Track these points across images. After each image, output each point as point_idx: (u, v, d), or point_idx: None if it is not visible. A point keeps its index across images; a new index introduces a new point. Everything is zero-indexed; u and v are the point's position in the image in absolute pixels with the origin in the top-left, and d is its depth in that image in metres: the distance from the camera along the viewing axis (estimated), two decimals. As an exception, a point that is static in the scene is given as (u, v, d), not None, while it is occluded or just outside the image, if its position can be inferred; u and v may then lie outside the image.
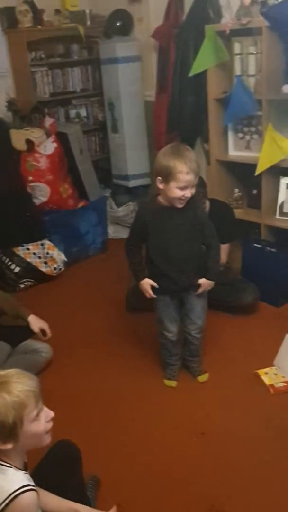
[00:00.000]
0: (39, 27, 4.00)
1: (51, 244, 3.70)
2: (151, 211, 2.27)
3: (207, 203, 2.94)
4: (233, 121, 3.37)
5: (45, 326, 2.59)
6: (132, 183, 4.47)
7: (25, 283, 3.60)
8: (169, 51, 3.77)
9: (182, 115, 3.71)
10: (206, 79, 3.35)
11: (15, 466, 1.39)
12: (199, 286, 2.33)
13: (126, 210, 4.45)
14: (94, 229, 4.12)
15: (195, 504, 1.84)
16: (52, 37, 4.13)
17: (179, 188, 2.12)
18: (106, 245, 4.20)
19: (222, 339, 2.81)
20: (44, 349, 2.60)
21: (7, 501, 1.33)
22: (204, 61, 3.28)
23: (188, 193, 2.14)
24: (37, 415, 1.38)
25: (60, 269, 3.70)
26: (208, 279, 2.34)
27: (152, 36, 3.88)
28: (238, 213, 3.35)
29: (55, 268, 3.66)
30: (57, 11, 4.17)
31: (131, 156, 4.39)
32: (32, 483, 1.39)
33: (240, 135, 3.40)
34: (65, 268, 3.74)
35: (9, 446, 1.36)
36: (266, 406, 2.29)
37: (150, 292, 2.34)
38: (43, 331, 2.59)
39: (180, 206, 2.19)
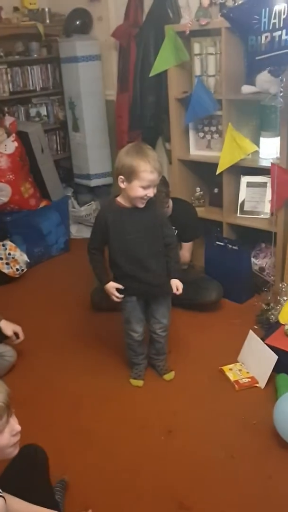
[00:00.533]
0: (-3, 24, 3.93)
1: (13, 244, 3.65)
2: (112, 212, 2.27)
3: (170, 202, 2.96)
4: (194, 120, 3.40)
5: (17, 329, 2.57)
6: (94, 182, 4.45)
7: (-13, 284, 3.53)
8: (129, 51, 3.77)
9: (143, 114, 3.73)
10: (166, 78, 3.37)
11: None
12: (169, 285, 2.35)
13: (89, 209, 4.44)
14: (57, 229, 4.09)
15: (164, 502, 1.85)
16: (11, 34, 4.06)
17: (142, 187, 2.12)
18: (69, 245, 4.18)
19: (187, 337, 2.84)
20: (8, 353, 2.56)
21: None
22: (164, 61, 3.30)
23: (151, 192, 2.15)
24: (1, 430, 1.35)
25: (22, 270, 3.65)
26: (173, 278, 2.36)
27: (112, 36, 3.88)
28: (200, 211, 3.38)
29: (17, 269, 3.61)
30: (16, 9, 4.11)
31: (93, 155, 4.37)
32: None
33: (201, 134, 3.44)
34: (27, 269, 3.70)
35: None
36: (232, 402, 2.33)
37: (117, 294, 2.33)
38: (16, 334, 2.56)
39: (141, 206, 2.20)
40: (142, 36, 3.61)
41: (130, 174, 2.11)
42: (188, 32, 3.13)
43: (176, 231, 2.82)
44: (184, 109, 3.38)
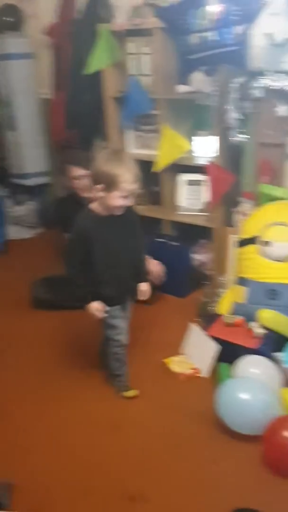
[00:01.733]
0: None
1: None
2: (92, 223, 2.16)
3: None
4: (131, 119, 3.44)
5: None
6: (30, 182, 4.40)
7: None
8: (63, 49, 3.75)
9: (80, 113, 3.72)
10: (102, 77, 3.39)
11: None
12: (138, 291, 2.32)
13: (26, 209, 4.38)
14: (-7, 230, 4.01)
15: (116, 496, 1.87)
16: None
17: (122, 197, 2.07)
18: (6, 246, 4.10)
19: (130, 332, 2.87)
20: None
21: None
22: (98, 60, 3.31)
23: (130, 201, 2.11)
24: None
25: None
26: (145, 281, 2.33)
27: (45, 34, 3.84)
28: (141, 209, 3.43)
29: None
30: None
31: (29, 154, 4.32)
32: None
33: (139, 133, 3.49)
34: None
35: None
36: (176, 393, 2.40)
37: (101, 313, 2.23)
38: None
39: (119, 213, 2.13)
40: (75, 35, 3.60)
41: (111, 184, 2.03)
42: (122, 31, 3.17)
43: None
44: (120, 108, 3.42)
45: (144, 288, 2.31)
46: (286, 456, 1.88)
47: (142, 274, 2.34)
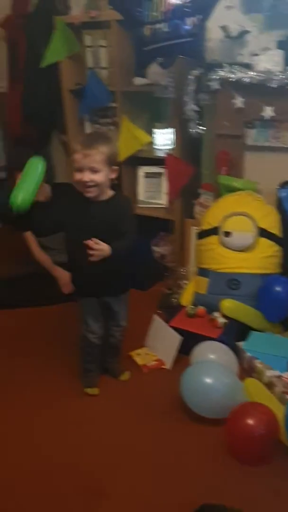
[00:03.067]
0: None
1: None
2: (71, 199, 2.07)
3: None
4: (89, 112, 3.41)
5: None
6: (-13, 177, 4.31)
7: None
8: (18, 42, 3.68)
9: (37, 106, 3.66)
10: (58, 70, 3.34)
11: None
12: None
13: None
14: None
15: (80, 493, 1.85)
16: None
17: (78, 171, 1.94)
18: None
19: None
20: None
21: None
22: (55, 52, 3.26)
23: (88, 178, 1.93)
24: None
25: None
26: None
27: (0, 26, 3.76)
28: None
29: None
30: None
31: (-15, 150, 4.23)
32: None
33: (97, 126, 3.46)
34: None
35: None
36: (141, 385, 2.39)
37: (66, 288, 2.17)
38: None
39: (89, 195, 1.99)
40: (30, 27, 3.54)
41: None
42: (78, 23, 3.14)
43: None
44: (78, 101, 3.38)
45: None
46: (249, 446, 1.90)
47: (120, 274, 2.17)
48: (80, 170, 1.93)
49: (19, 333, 2.84)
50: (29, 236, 3.01)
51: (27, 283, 3.13)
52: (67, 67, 3.34)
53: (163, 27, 2.77)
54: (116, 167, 2.01)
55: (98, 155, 1.91)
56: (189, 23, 2.73)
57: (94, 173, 1.93)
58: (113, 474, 1.92)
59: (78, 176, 1.95)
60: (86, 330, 2.24)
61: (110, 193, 2.06)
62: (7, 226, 4.08)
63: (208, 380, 2.09)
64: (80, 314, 2.23)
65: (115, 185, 2.09)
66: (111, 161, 1.97)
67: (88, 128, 3.48)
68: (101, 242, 1.94)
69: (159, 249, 3.32)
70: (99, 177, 1.95)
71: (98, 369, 2.39)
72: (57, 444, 2.08)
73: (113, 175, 2.01)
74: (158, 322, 2.62)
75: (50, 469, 1.95)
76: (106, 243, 1.95)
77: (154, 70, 2.94)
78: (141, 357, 2.56)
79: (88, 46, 3.29)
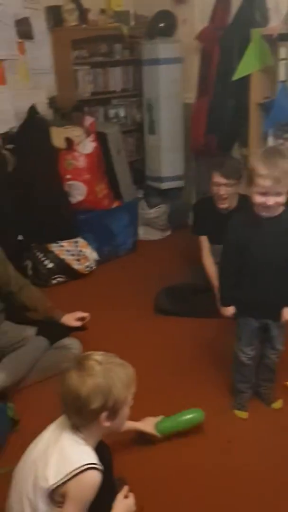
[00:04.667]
0: (84, 26, 4.02)
1: (85, 242, 3.72)
2: (245, 221, 2.03)
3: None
4: (274, 126, 3.31)
5: (78, 314, 2.63)
6: (164, 185, 4.46)
7: (57, 279, 3.61)
8: (212, 54, 3.74)
9: (222, 118, 3.68)
10: (249, 83, 3.31)
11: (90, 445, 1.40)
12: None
13: (158, 212, 4.44)
14: (126, 230, 4.12)
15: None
16: (96, 36, 4.14)
17: (259, 194, 1.88)
18: (136, 246, 4.20)
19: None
20: (74, 345, 2.59)
21: (75, 472, 1.31)
22: (248, 65, 3.24)
23: (272, 201, 1.88)
24: (131, 399, 1.43)
25: (91, 267, 3.70)
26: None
27: (196, 38, 3.86)
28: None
29: (87, 266, 3.67)
30: (102, 11, 4.19)
31: (166, 158, 4.38)
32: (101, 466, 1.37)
33: (280, 141, 3.34)
34: (96, 266, 3.74)
35: (107, 423, 1.39)
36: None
37: (228, 312, 2.17)
38: (80, 319, 2.63)
39: (267, 215, 1.95)
40: (226, 39, 3.57)
41: (252, 178, 1.89)
42: (275, 35, 3.06)
43: None
44: (264, 114, 3.31)
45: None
46: None
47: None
48: (265, 194, 1.87)
49: (181, 341, 2.86)
50: (204, 240, 3.07)
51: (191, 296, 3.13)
52: (258, 80, 3.28)
53: None
54: None
55: (286, 179, 1.84)
56: None
57: (278, 196, 1.88)
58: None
59: (258, 199, 1.89)
60: (238, 349, 2.20)
61: (280, 209, 1.96)
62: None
63: None
64: (236, 333, 2.20)
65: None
66: None
67: (271, 142, 3.38)
68: None
69: None
70: (282, 199, 1.89)
71: (251, 391, 2.30)
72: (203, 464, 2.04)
73: None
74: None
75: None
76: (282, 259, 1.97)
77: None
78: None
79: (283, 59, 3.19)
